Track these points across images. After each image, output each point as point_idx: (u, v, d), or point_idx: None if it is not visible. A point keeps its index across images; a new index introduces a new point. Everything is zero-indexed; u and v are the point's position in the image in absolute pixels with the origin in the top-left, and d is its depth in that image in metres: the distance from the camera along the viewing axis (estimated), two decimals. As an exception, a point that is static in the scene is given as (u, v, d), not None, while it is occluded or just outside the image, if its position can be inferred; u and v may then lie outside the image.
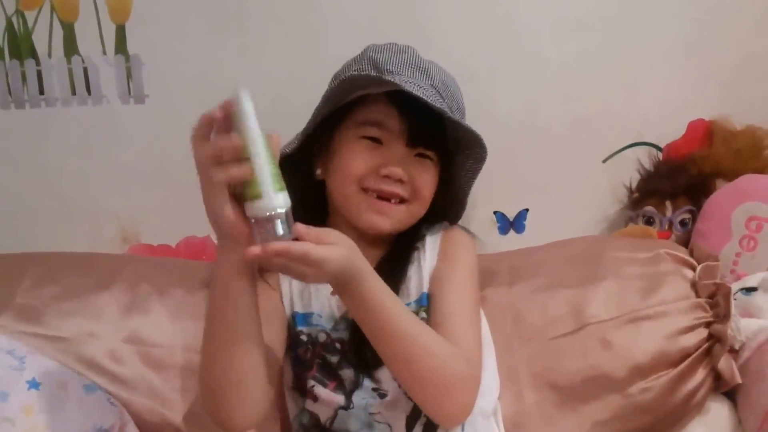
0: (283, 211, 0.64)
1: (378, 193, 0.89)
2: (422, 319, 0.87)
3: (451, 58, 0.99)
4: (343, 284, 0.73)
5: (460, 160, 0.96)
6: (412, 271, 0.92)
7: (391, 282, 0.87)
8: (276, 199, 0.64)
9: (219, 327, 0.74)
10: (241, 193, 0.65)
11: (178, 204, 1.20)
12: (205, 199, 0.67)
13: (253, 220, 0.65)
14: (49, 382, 0.89)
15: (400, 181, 0.89)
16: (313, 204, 0.94)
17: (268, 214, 0.64)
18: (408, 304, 0.89)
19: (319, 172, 0.95)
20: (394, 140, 0.89)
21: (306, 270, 0.68)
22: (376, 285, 0.75)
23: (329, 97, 0.89)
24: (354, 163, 0.89)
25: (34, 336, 0.96)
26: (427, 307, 0.89)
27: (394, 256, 0.93)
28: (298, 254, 0.66)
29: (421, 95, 0.84)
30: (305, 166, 0.95)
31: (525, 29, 1.23)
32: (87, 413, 0.89)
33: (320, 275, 0.69)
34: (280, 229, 0.65)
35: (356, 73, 0.88)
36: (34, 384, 0.87)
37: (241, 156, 0.63)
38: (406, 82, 0.85)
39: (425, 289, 0.90)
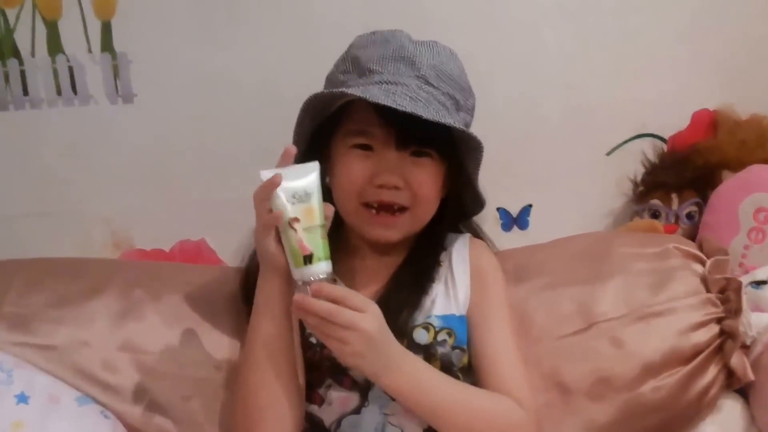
0: (324, 277, 0.76)
1: (378, 204, 0.87)
2: (443, 341, 0.87)
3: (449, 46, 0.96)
4: (380, 368, 0.77)
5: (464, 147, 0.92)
6: (438, 289, 0.91)
7: (412, 295, 0.89)
8: (319, 267, 0.76)
9: (259, 350, 0.81)
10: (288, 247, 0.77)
11: (171, 206, 1.21)
12: (257, 235, 0.79)
13: (300, 283, 0.76)
14: (39, 395, 0.87)
15: (395, 188, 0.86)
16: None
17: (312, 279, 0.75)
18: (428, 317, 0.88)
19: (327, 180, 0.92)
20: (383, 146, 0.87)
21: (345, 335, 0.73)
22: (412, 363, 0.80)
23: (306, 111, 0.87)
24: (349, 176, 0.87)
25: (23, 346, 0.94)
26: (452, 330, 0.88)
27: (416, 268, 0.92)
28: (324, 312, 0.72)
29: (395, 100, 0.80)
30: None
31: (524, 17, 1.22)
32: (80, 427, 0.87)
33: (357, 341, 0.73)
34: None
35: (326, 90, 0.86)
36: (22, 398, 0.85)
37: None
38: (383, 82, 0.84)
39: (454, 312, 0.90)
